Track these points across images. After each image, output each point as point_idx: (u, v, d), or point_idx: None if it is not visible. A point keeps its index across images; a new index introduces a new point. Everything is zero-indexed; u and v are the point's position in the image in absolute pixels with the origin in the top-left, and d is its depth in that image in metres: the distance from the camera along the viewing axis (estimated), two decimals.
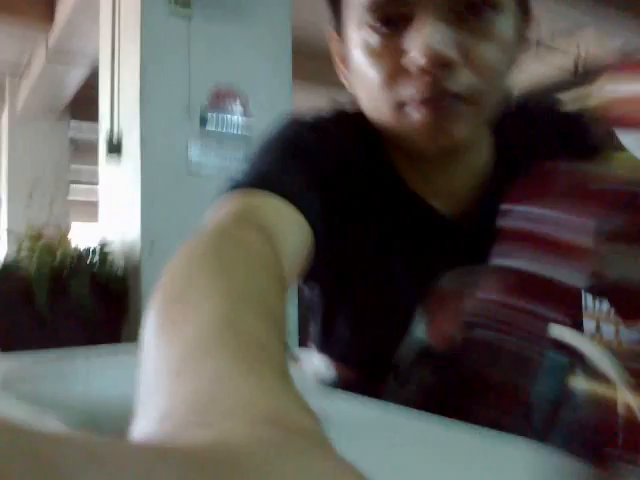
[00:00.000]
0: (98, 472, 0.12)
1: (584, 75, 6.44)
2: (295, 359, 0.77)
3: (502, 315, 0.45)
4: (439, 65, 0.50)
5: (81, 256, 2.66)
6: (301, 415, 0.21)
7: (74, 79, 5.58)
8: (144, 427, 0.20)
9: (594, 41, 6.04)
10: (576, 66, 6.39)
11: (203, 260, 0.37)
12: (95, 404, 0.45)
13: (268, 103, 2.90)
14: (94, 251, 2.73)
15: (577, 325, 0.41)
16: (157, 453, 0.14)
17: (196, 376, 0.23)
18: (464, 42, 0.51)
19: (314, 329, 0.73)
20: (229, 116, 2.80)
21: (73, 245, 2.74)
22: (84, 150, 7.85)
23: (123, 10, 2.90)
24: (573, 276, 0.37)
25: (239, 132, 2.83)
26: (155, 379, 0.24)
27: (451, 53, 0.50)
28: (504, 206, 0.45)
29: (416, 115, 0.53)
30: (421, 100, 0.52)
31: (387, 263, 0.63)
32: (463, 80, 0.51)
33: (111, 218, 2.99)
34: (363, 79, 0.57)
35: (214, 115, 2.77)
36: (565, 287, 0.39)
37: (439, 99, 0.52)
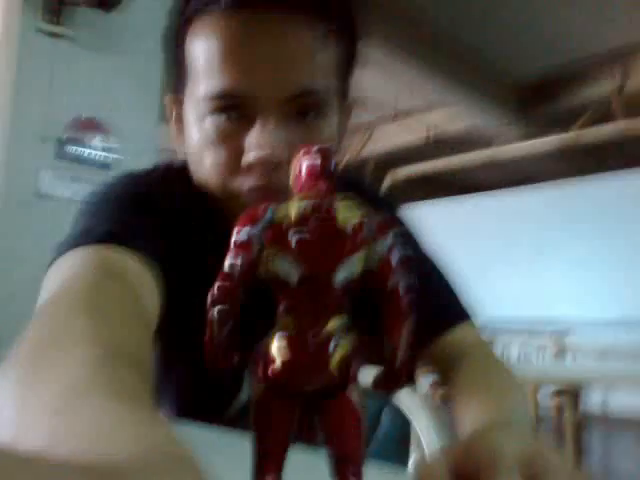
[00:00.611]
0: None
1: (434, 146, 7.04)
2: None
3: None
4: (268, 162, 0.56)
5: None
6: (173, 443, 0.23)
7: None
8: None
9: (445, 119, 6.65)
10: (427, 138, 6.97)
11: (69, 309, 0.39)
12: None
13: (134, 137, 2.86)
14: None
15: None
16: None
17: (75, 415, 0.25)
18: (292, 141, 0.57)
19: None
20: (88, 147, 2.73)
21: None
22: None
23: None
24: None
25: (97, 164, 2.75)
26: (32, 417, 0.26)
27: (279, 152, 0.56)
28: None
29: (247, 200, 0.58)
30: (250, 188, 0.58)
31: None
32: (288, 175, 0.58)
33: None
34: (198, 158, 0.61)
35: (71, 144, 2.68)
36: None
37: (268, 191, 0.57)
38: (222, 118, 0.58)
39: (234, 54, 0.57)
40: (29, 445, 0.23)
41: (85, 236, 0.55)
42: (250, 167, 0.57)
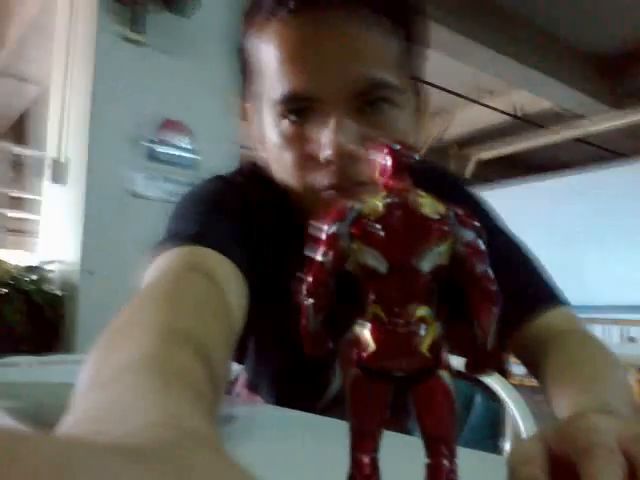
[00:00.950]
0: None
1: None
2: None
3: None
4: (344, 158, 0.58)
5: (16, 279, 2.61)
6: (197, 422, 0.24)
7: (19, 103, 5.50)
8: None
9: (529, 98, 6.40)
10: (511, 118, 6.73)
11: (151, 299, 0.42)
12: (41, 392, 0.49)
13: (214, 136, 2.95)
14: (33, 269, 2.69)
15: None
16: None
17: (115, 389, 0.27)
18: (366, 134, 0.59)
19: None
20: (175, 147, 2.84)
21: (8, 268, 2.68)
22: (21, 179, 7.65)
23: (77, 35, 2.92)
24: None
25: (184, 165, 2.87)
26: (83, 389, 0.29)
27: (355, 148, 0.58)
28: None
29: (325, 197, 0.61)
30: (329, 186, 0.60)
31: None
32: (366, 170, 0.57)
33: (50, 245, 2.95)
34: (278, 158, 0.64)
35: (160, 146, 2.80)
36: None
37: (344, 186, 0.59)
38: (296, 119, 0.61)
39: (300, 56, 0.59)
40: (70, 415, 0.25)
41: (175, 239, 0.59)
42: (327, 164, 0.60)
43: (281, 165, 0.64)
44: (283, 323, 0.72)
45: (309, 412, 0.69)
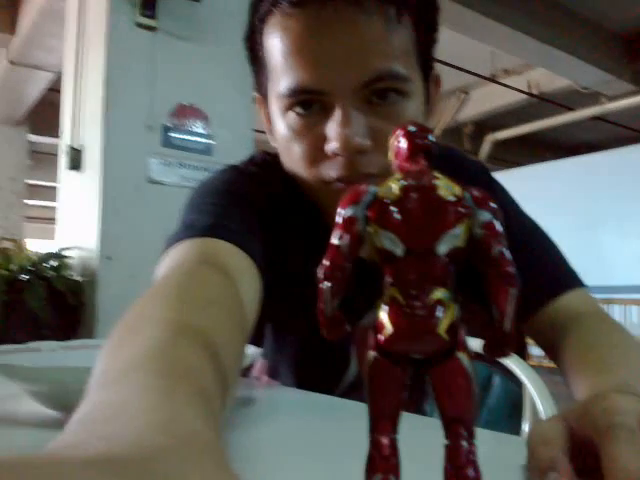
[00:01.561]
0: None
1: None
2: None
3: None
4: (351, 151, 0.58)
5: (37, 265, 2.65)
6: (199, 427, 0.24)
7: (34, 90, 5.54)
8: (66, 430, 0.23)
9: (546, 76, 6.30)
10: (528, 98, 6.64)
11: (163, 294, 0.42)
12: (63, 376, 0.50)
13: (229, 121, 2.95)
14: (53, 256, 2.72)
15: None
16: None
17: (120, 387, 0.27)
18: (374, 126, 0.59)
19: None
20: (190, 133, 2.85)
21: (29, 255, 2.72)
22: (38, 166, 7.74)
23: (89, 21, 2.93)
24: None
25: (199, 149, 2.87)
26: (92, 385, 0.29)
27: (362, 141, 0.58)
28: None
29: (335, 188, 0.61)
30: (337, 179, 0.61)
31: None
32: (374, 162, 0.59)
33: (69, 232, 2.99)
34: (287, 150, 0.65)
35: (175, 131, 2.81)
36: None
37: (352, 179, 0.59)
38: (303, 111, 0.61)
39: (306, 49, 0.58)
40: (79, 410, 0.25)
41: (189, 230, 0.60)
42: (334, 157, 0.60)
43: (290, 157, 0.65)
44: (300, 309, 0.73)
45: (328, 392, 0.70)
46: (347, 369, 0.75)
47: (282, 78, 0.61)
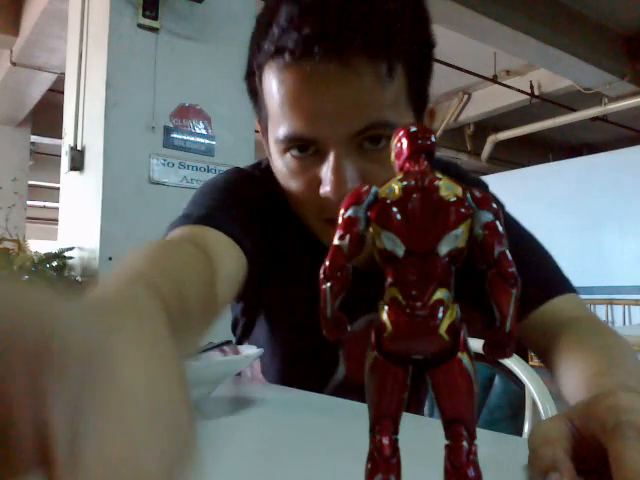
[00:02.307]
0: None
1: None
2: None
3: None
4: (342, 196, 0.58)
5: (38, 266, 2.65)
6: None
7: (36, 91, 5.54)
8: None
9: (548, 77, 6.30)
10: (530, 98, 6.64)
11: (137, 256, 0.43)
12: None
13: (231, 122, 2.95)
14: (54, 256, 2.72)
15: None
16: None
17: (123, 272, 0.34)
18: (365, 169, 0.62)
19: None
20: (192, 133, 2.85)
21: (31, 255, 2.72)
22: (40, 167, 7.75)
23: (91, 22, 2.93)
24: None
25: (201, 150, 2.87)
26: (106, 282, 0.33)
27: (351, 186, 0.60)
28: None
29: (325, 227, 0.66)
30: (329, 219, 0.65)
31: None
32: None
33: (70, 233, 2.99)
34: (284, 184, 0.69)
35: (177, 132, 2.81)
36: None
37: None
38: (299, 153, 0.64)
39: (300, 102, 0.61)
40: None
41: (185, 219, 0.64)
42: (326, 199, 0.63)
43: (287, 191, 0.69)
44: (292, 309, 0.74)
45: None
46: (335, 370, 0.77)
47: (279, 125, 0.64)
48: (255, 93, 0.69)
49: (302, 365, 0.78)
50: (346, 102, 0.60)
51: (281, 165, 0.67)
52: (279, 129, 0.64)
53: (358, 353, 0.69)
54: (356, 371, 0.72)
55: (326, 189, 0.62)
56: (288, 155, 0.65)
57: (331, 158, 0.62)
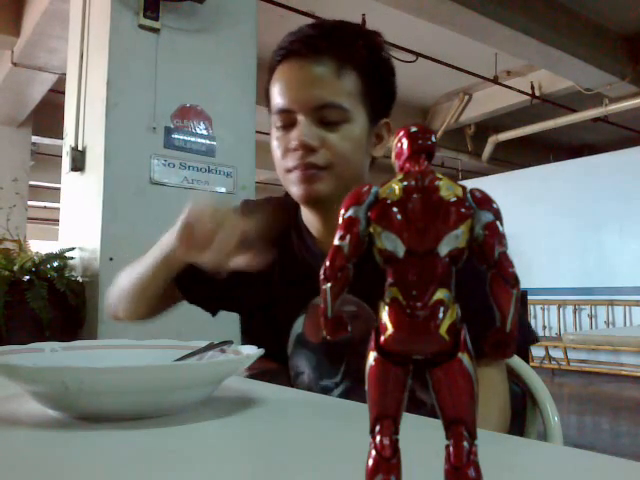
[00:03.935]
0: None
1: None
2: None
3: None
4: (305, 148, 0.87)
5: (39, 266, 2.65)
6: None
7: (37, 92, 5.54)
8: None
9: (549, 78, 6.29)
10: (531, 99, 6.63)
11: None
12: (64, 377, 0.50)
13: (232, 123, 2.95)
14: (55, 256, 2.72)
15: None
16: None
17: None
18: (322, 135, 0.88)
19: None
20: (193, 134, 2.85)
21: (32, 255, 2.72)
22: (41, 167, 7.75)
23: (92, 22, 2.93)
24: None
25: (202, 150, 2.87)
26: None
27: (312, 141, 0.87)
28: None
29: (294, 177, 0.89)
30: (294, 167, 0.88)
31: (282, 286, 0.96)
32: (320, 157, 0.88)
33: (71, 233, 2.99)
34: (274, 154, 0.93)
35: (178, 132, 2.81)
36: None
37: (305, 168, 0.87)
38: (282, 128, 0.90)
39: (284, 85, 0.90)
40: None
41: None
42: (293, 151, 0.88)
43: (275, 160, 0.92)
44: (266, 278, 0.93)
45: (280, 353, 0.92)
46: (294, 322, 0.93)
47: (274, 104, 0.91)
48: (267, 93, 0.94)
49: (261, 319, 0.98)
50: (309, 83, 0.88)
51: (275, 144, 0.92)
52: (273, 109, 0.91)
53: (316, 321, 0.85)
54: (312, 330, 0.91)
55: (294, 143, 0.87)
56: (274, 129, 0.92)
57: (299, 124, 0.88)
